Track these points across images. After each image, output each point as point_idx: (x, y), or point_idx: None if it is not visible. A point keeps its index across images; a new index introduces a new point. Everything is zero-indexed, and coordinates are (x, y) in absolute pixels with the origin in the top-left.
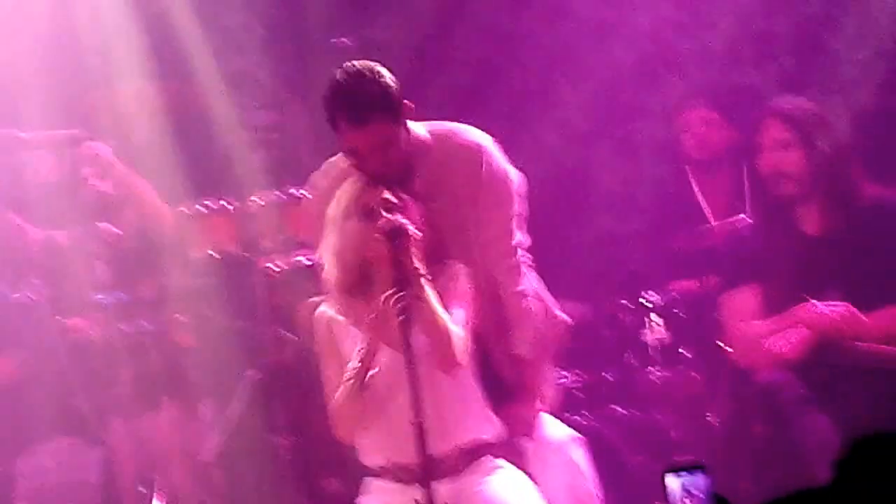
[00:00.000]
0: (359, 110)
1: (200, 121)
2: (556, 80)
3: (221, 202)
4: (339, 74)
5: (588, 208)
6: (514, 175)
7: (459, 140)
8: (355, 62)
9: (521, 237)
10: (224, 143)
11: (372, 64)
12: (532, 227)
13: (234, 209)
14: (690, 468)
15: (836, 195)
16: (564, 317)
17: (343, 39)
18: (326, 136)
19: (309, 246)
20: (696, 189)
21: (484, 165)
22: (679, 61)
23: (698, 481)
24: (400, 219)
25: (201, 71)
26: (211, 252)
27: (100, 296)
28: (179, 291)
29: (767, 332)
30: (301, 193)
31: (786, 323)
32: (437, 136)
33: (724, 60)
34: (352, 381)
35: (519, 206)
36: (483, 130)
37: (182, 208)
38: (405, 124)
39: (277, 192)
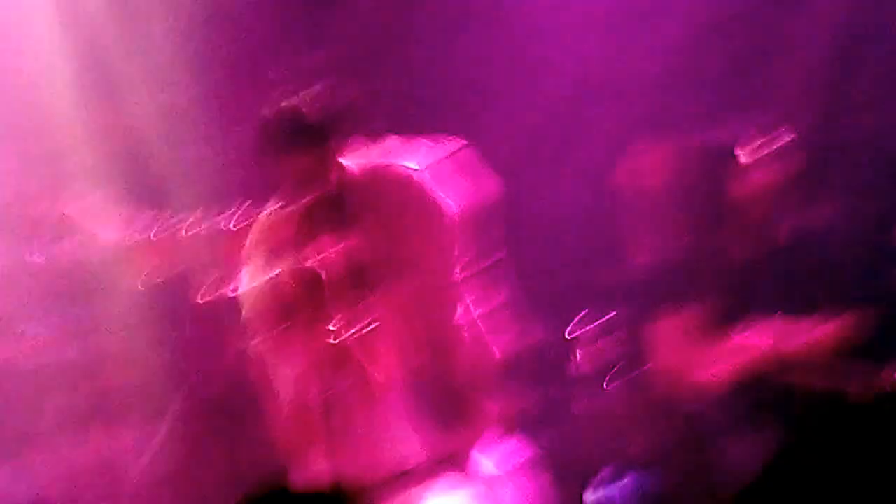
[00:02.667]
0: (285, 140)
1: (132, 151)
2: (488, 106)
3: (152, 233)
4: (273, 105)
5: (518, 237)
6: (452, 204)
7: (390, 171)
8: (295, 94)
9: (461, 268)
10: (156, 173)
11: (307, 95)
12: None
13: (165, 240)
14: (613, 478)
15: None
16: (496, 351)
17: (276, 69)
18: (260, 168)
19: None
20: (629, 221)
21: (414, 196)
22: (615, 91)
23: (611, 490)
24: (310, 258)
25: (133, 105)
26: (142, 282)
27: (29, 325)
28: (109, 321)
29: (699, 363)
30: (232, 225)
31: (716, 353)
32: (368, 168)
33: (661, 90)
34: (290, 410)
35: (457, 237)
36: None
37: (113, 237)
38: (335, 156)
39: (208, 224)
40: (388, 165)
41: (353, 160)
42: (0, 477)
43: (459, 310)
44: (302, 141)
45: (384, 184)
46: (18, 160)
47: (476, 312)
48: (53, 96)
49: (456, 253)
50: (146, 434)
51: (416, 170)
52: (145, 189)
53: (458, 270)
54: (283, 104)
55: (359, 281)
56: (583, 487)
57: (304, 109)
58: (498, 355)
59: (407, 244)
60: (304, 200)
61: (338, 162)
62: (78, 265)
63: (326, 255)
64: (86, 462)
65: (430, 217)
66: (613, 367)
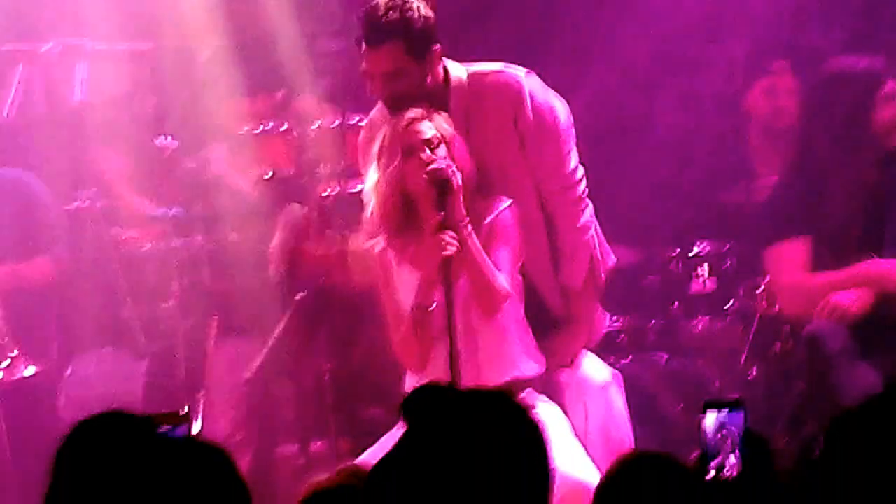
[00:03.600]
0: (375, 32)
1: (267, 42)
2: (623, 25)
3: (282, 125)
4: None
5: (645, 156)
6: (561, 107)
7: (497, 78)
8: None
9: (579, 169)
10: (289, 66)
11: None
12: (588, 171)
13: (294, 133)
14: (729, 405)
15: None
16: (612, 256)
17: None
18: None
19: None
20: (755, 149)
21: (525, 102)
22: (750, 17)
23: (735, 418)
24: (442, 161)
25: None
26: (268, 174)
27: (156, 210)
28: (235, 211)
29: (829, 286)
30: (362, 122)
31: (848, 277)
32: (475, 75)
33: (792, 19)
34: (411, 315)
35: (570, 138)
36: (545, 71)
37: (242, 128)
38: (429, 60)
39: (339, 119)
40: (496, 70)
41: (461, 67)
42: (120, 359)
43: (586, 210)
44: (391, 34)
45: (493, 87)
46: (154, 47)
47: (593, 219)
48: None
49: (573, 156)
50: (264, 325)
51: (524, 75)
52: (275, 83)
53: (577, 174)
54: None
55: (483, 185)
56: (700, 409)
57: (400, 5)
58: (612, 262)
59: (523, 147)
60: (391, 93)
61: (435, 65)
62: (206, 154)
63: (455, 154)
64: (203, 350)
65: (544, 118)
66: (736, 287)
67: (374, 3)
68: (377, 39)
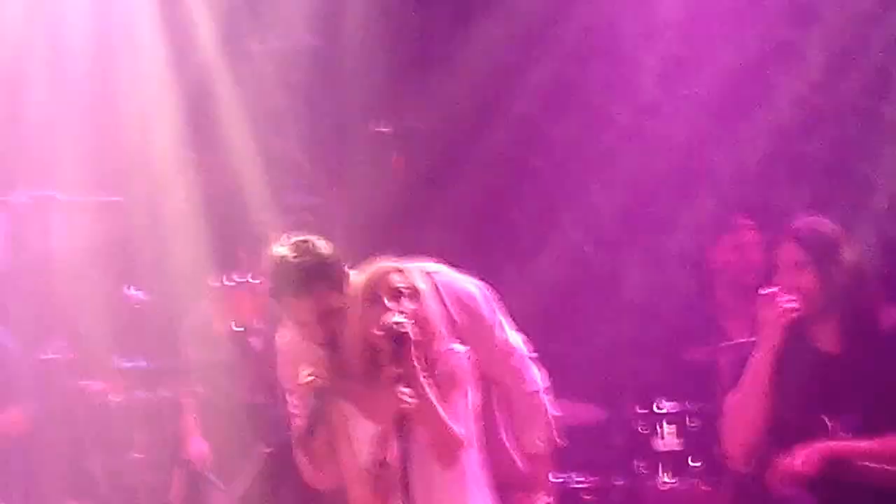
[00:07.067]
0: (297, 283)
1: (234, 196)
2: (590, 184)
3: (249, 276)
4: (278, 250)
5: (611, 314)
6: (475, 289)
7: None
8: (293, 237)
9: (512, 338)
10: (256, 219)
11: (308, 237)
12: (553, 328)
13: (260, 285)
14: None
15: (853, 317)
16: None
17: (381, 129)
18: (361, 218)
19: None
20: (721, 306)
21: (443, 296)
22: (713, 175)
23: None
24: (400, 315)
25: (239, 148)
26: (234, 326)
27: (123, 362)
28: (200, 363)
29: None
30: None
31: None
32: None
33: (758, 178)
34: (368, 470)
35: (492, 311)
36: (513, 227)
37: (210, 281)
38: (345, 283)
39: None
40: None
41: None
42: None
43: (531, 373)
44: (315, 279)
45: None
46: (124, 200)
47: (542, 382)
48: (159, 137)
49: (500, 328)
50: (230, 478)
51: (434, 269)
52: (243, 234)
53: (511, 342)
54: (290, 248)
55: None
56: None
57: (310, 250)
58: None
59: (462, 322)
60: (328, 333)
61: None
62: (172, 305)
63: (422, 310)
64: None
65: (466, 306)
66: (702, 447)
67: (276, 254)
68: (303, 289)
